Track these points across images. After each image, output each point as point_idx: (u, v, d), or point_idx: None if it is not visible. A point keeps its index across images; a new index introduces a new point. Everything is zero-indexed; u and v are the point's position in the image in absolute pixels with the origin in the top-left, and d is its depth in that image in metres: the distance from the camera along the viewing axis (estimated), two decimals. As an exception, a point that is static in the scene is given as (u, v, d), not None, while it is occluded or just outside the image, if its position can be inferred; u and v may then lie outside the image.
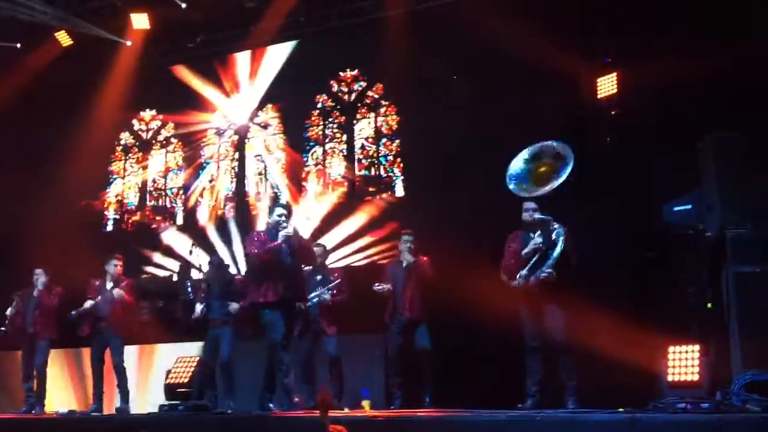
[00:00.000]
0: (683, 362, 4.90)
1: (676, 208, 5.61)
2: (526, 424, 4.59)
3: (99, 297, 7.30)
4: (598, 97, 7.48)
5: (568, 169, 5.61)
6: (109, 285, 7.43)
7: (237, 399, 6.51)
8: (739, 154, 5.48)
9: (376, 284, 6.56)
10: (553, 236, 5.58)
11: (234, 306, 6.65)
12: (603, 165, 7.04)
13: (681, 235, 5.71)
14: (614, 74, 7.45)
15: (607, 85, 7.47)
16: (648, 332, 5.66)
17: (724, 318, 5.17)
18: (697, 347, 4.88)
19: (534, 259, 5.59)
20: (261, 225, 9.93)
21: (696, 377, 4.78)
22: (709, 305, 5.19)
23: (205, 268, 7.47)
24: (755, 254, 5.18)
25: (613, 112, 7.39)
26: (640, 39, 7.30)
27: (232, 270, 9.45)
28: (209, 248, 9.95)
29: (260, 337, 6.15)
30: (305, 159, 10.14)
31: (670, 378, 4.89)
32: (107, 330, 7.31)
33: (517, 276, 5.62)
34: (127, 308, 7.43)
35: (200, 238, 10.00)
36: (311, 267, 6.67)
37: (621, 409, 5.09)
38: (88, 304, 7.27)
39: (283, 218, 5.79)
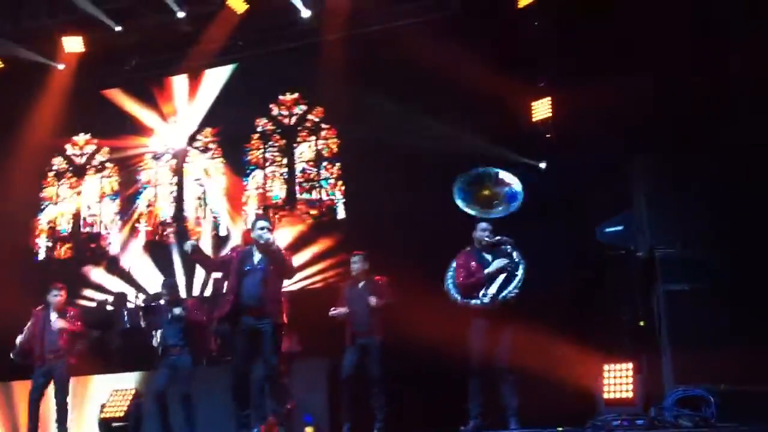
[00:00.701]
0: (618, 380, 5.02)
1: (608, 229, 5.78)
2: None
3: (42, 330, 7.03)
4: (533, 120, 7.65)
5: (517, 203, 5.70)
6: (52, 316, 7.16)
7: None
8: (665, 176, 5.69)
9: (333, 309, 6.50)
10: (515, 257, 5.63)
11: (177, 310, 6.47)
12: (538, 187, 7.20)
13: (614, 255, 5.87)
14: (548, 98, 7.65)
15: (541, 109, 7.66)
16: (584, 351, 5.78)
17: (655, 335, 5.34)
18: (630, 365, 5.01)
19: (500, 279, 5.54)
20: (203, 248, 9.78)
21: (630, 394, 4.90)
22: (641, 323, 5.35)
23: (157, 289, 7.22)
24: (684, 273, 5.37)
25: (547, 135, 7.57)
26: (574, 64, 7.52)
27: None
28: (148, 274, 9.77)
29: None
30: (245, 183, 10.05)
31: (606, 396, 5.00)
32: (56, 363, 7.01)
33: (481, 295, 5.57)
34: (75, 339, 7.15)
35: (137, 264, 9.82)
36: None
37: (560, 429, 5.19)
38: (18, 339, 6.99)
39: (266, 231, 5.60)
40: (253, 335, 5.45)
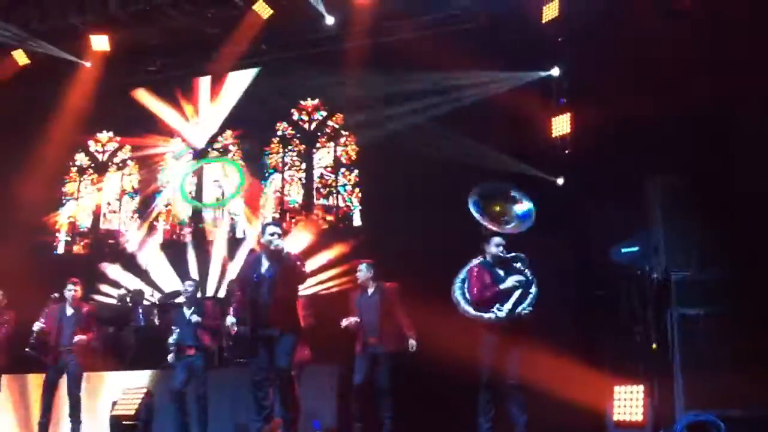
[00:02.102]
0: (628, 402, 4.99)
1: (624, 249, 5.75)
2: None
3: (59, 323, 7.14)
4: (552, 136, 7.64)
5: (530, 222, 5.70)
6: (69, 311, 7.26)
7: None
8: (683, 197, 5.66)
9: (344, 320, 6.54)
10: (528, 274, 5.64)
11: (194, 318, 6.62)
12: (554, 204, 7.18)
13: (628, 275, 5.83)
14: (568, 114, 7.64)
15: (561, 125, 7.65)
16: (595, 371, 5.76)
17: (668, 359, 5.30)
18: (641, 387, 4.98)
19: (516, 294, 5.54)
20: (218, 250, 9.88)
21: (640, 417, 4.87)
22: (654, 346, 5.31)
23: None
24: (699, 297, 5.34)
25: (566, 152, 7.55)
26: (595, 80, 7.50)
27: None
28: (164, 272, 9.88)
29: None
30: (264, 186, 10.11)
31: (615, 417, 4.98)
32: (69, 357, 7.11)
33: (495, 309, 5.56)
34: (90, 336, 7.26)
35: (154, 263, 9.92)
36: None
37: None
38: (36, 326, 7.09)
39: (276, 236, 5.61)
40: (267, 343, 5.47)
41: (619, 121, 6.73)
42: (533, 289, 5.52)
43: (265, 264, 5.54)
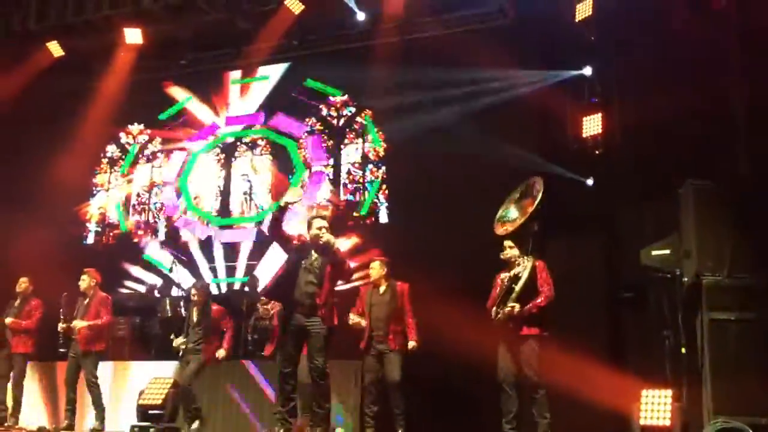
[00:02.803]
0: (655, 406, 4.93)
1: (654, 252, 5.69)
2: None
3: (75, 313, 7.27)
4: (583, 136, 7.57)
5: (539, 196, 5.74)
6: (85, 301, 7.40)
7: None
8: (716, 203, 5.58)
9: (351, 315, 6.56)
10: (519, 270, 5.71)
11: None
12: (585, 204, 7.12)
13: (658, 278, 5.77)
14: (599, 114, 7.56)
15: (592, 125, 7.57)
16: (622, 373, 5.71)
17: (697, 363, 5.23)
18: (669, 392, 4.92)
19: (504, 294, 5.69)
20: (245, 243, 9.96)
21: (668, 422, 4.82)
22: (683, 350, 5.25)
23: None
24: (730, 301, 5.26)
25: (597, 152, 7.48)
26: (629, 81, 7.42)
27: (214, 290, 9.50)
28: (192, 266, 9.97)
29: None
30: (291, 181, 10.15)
31: (642, 422, 4.92)
32: (83, 347, 7.24)
33: (493, 311, 5.73)
34: (98, 324, 7.35)
35: (182, 255, 10.02)
36: None
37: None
38: (60, 327, 7.26)
39: (324, 230, 5.64)
40: (301, 334, 5.50)
41: (651, 122, 6.66)
42: (518, 285, 5.62)
43: (313, 255, 5.58)
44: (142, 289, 10.07)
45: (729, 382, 5.12)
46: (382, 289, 6.66)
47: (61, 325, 7.30)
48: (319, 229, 5.55)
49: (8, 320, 7.72)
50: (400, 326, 6.52)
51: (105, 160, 11.25)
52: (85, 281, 7.45)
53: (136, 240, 10.62)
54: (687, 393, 5.12)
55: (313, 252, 5.61)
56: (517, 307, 5.60)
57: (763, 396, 4.99)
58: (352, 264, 8.93)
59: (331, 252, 5.55)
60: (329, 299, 5.56)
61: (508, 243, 5.91)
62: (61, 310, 7.35)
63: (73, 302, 7.50)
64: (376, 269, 6.71)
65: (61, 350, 7.39)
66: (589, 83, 7.68)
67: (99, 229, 10.97)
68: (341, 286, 8.11)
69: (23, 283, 7.94)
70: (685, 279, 5.43)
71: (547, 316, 5.72)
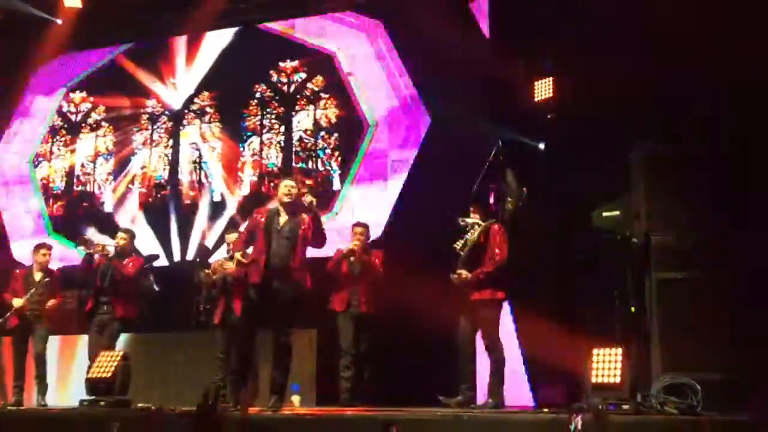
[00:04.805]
0: (606, 365, 5.02)
1: (605, 214, 5.77)
2: (453, 424, 4.64)
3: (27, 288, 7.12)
4: (535, 100, 7.58)
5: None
6: (37, 275, 7.24)
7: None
8: (666, 163, 5.67)
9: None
10: (468, 236, 5.77)
11: None
12: (536, 168, 7.17)
13: (609, 240, 5.85)
14: (551, 78, 7.57)
15: (543, 89, 7.58)
16: (573, 335, 5.80)
17: (646, 322, 5.35)
18: (620, 350, 5.02)
19: (456, 260, 5.77)
20: (199, 215, 9.77)
21: (618, 379, 4.91)
22: (632, 309, 5.36)
23: None
24: (678, 261, 5.38)
25: (548, 116, 7.50)
26: (580, 44, 7.42)
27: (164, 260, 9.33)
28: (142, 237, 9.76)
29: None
30: (242, 149, 9.97)
31: (593, 380, 5.01)
32: (34, 320, 7.10)
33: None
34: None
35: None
36: None
37: (545, 410, 5.22)
38: (17, 303, 7.05)
39: (294, 191, 5.52)
40: (272, 296, 5.40)
41: (604, 86, 6.69)
42: (464, 252, 5.73)
43: (282, 217, 5.47)
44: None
45: (676, 340, 5.27)
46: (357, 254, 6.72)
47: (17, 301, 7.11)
48: (289, 189, 5.46)
49: None
50: (372, 292, 6.68)
51: (47, 130, 10.86)
52: (47, 256, 7.31)
53: (80, 213, 10.34)
54: (636, 351, 5.23)
55: (282, 214, 5.52)
56: (464, 273, 5.65)
57: (709, 353, 5.14)
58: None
59: (300, 215, 5.47)
60: (303, 263, 5.49)
61: (471, 207, 5.92)
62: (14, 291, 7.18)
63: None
64: (358, 234, 6.81)
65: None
66: (541, 47, 7.67)
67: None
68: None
69: None
70: (635, 240, 5.52)
71: (499, 279, 5.76)
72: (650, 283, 5.40)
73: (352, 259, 6.72)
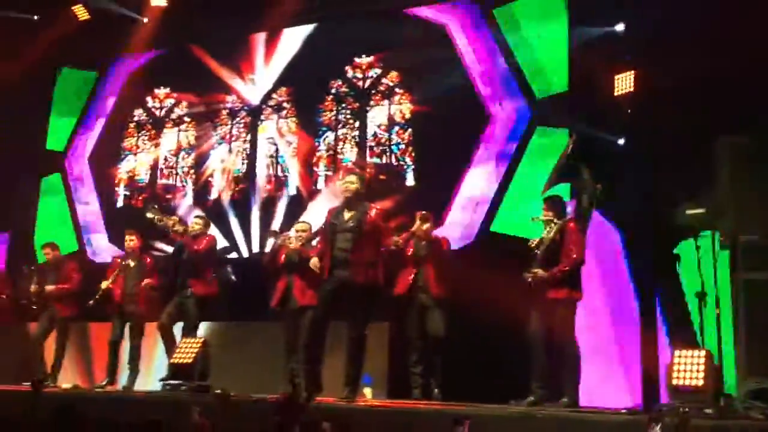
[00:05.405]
0: (688, 367, 4.87)
1: (689, 212, 5.57)
2: (526, 421, 4.59)
3: (122, 275, 7.46)
4: (615, 94, 7.40)
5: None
6: (130, 263, 7.55)
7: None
8: (752, 159, 5.45)
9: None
10: (545, 234, 5.68)
11: None
12: (617, 164, 7.00)
13: (693, 238, 5.65)
14: (632, 72, 7.38)
15: (624, 83, 7.40)
16: (654, 335, 5.65)
17: (731, 325, 5.16)
18: (703, 352, 4.86)
19: (531, 259, 5.71)
20: (277, 210, 9.97)
21: (701, 382, 4.76)
22: (716, 311, 5.17)
23: None
24: (765, 262, 5.16)
25: (628, 111, 7.31)
26: (664, 38, 7.22)
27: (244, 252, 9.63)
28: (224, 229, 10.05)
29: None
30: (317, 144, 10.11)
31: (674, 382, 4.88)
32: (131, 308, 7.40)
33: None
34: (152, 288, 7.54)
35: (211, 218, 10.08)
36: None
37: (623, 411, 5.10)
38: (104, 284, 7.38)
39: (357, 186, 5.65)
40: (342, 286, 5.51)
41: (686, 80, 6.50)
42: (540, 251, 5.67)
43: (346, 214, 5.58)
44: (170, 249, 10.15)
45: (763, 343, 5.05)
46: (424, 242, 6.64)
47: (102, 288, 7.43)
48: (351, 184, 5.55)
49: (49, 287, 7.85)
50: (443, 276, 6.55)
51: (133, 124, 11.30)
52: (134, 241, 7.61)
53: (164, 204, 10.70)
54: (720, 354, 5.05)
55: (345, 211, 5.61)
56: (540, 272, 5.57)
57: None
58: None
59: (365, 209, 5.56)
60: (371, 259, 5.57)
61: (544, 204, 5.86)
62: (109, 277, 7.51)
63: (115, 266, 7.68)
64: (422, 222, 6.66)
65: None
66: (622, 40, 7.48)
67: (128, 193, 11.07)
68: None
69: (49, 249, 8.11)
70: (721, 239, 5.32)
71: (576, 278, 5.66)
72: (737, 283, 5.20)
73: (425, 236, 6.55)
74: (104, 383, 7.38)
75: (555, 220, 5.74)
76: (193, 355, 6.35)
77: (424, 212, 6.74)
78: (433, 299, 6.50)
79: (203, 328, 7.75)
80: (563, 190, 6.27)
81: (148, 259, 7.71)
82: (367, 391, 7.06)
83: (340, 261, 5.57)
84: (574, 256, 5.62)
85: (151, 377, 7.95)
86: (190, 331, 6.99)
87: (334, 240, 5.61)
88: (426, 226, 6.61)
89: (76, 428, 3.73)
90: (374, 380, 7.22)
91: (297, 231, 7.10)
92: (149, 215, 7.51)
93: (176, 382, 6.29)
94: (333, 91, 10.19)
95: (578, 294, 5.64)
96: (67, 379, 8.11)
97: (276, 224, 9.86)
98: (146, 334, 7.66)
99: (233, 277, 8.26)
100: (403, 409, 5.37)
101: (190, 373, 6.25)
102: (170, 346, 6.94)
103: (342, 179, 5.73)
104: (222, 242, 9.49)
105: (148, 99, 11.27)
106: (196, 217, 7.73)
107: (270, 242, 7.46)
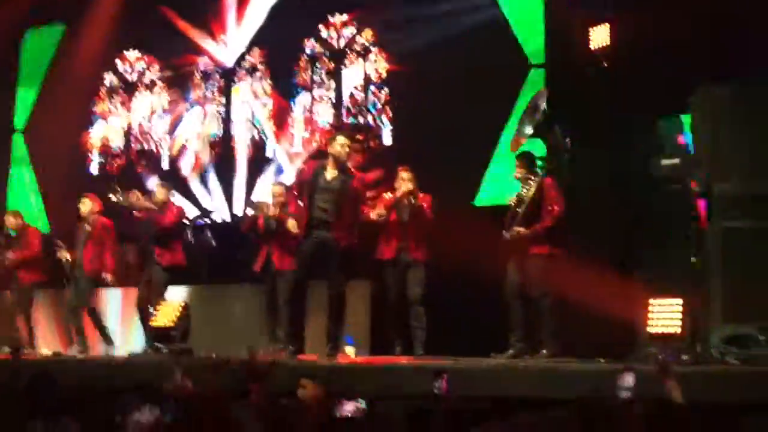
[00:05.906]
0: (665, 315, 4.94)
1: (664, 161, 5.59)
2: (507, 373, 4.64)
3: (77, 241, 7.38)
4: (591, 48, 7.35)
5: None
6: (86, 227, 7.47)
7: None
8: (728, 109, 5.46)
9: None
10: (523, 192, 5.69)
11: None
12: (592, 118, 6.99)
13: (668, 189, 5.69)
14: (607, 25, 7.31)
15: (600, 36, 7.33)
16: (631, 285, 5.71)
17: (706, 272, 5.22)
18: (680, 300, 4.92)
19: (511, 217, 5.74)
20: (252, 172, 9.85)
21: (677, 330, 4.84)
22: (693, 260, 5.22)
23: None
24: (741, 210, 5.21)
25: (604, 64, 7.27)
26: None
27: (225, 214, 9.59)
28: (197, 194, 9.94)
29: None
30: (292, 105, 9.98)
31: (651, 330, 4.94)
32: (80, 273, 7.35)
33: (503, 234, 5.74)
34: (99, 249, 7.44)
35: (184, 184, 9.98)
36: None
37: (602, 360, 5.18)
38: (63, 257, 7.32)
39: (346, 148, 5.62)
40: (322, 246, 5.50)
41: (661, 32, 6.46)
42: (521, 209, 5.67)
43: (330, 173, 5.53)
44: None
45: (738, 291, 5.12)
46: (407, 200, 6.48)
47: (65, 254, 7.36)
48: (341, 146, 5.51)
49: (11, 255, 7.76)
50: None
51: (103, 89, 11.06)
52: (85, 204, 7.50)
53: (139, 171, 10.56)
54: (696, 301, 5.12)
55: (329, 169, 5.57)
56: (522, 230, 5.59)
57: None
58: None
59: (349, 170, 5.54)
60: (351, 219, 5.55)
61: (516, 162, 5.87)
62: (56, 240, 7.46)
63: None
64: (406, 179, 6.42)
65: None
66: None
67: (102, 160, 10.89)
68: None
69: (11, 217, 8.00)
70: (696, 188, 5.35)
71: (556, 234, 5.70)
72: (712, 232, 5.25)
73: (408, 200, 6.36)
74: (77, 351, 7.32)
75: (532, 178, 5.74)
76: (174, 318, 6.34)
77: (405, 168, 6.64)
78: (415, 260, 6.47)
79: (185, 291, 7.73)
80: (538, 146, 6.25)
81: (106, 221, 7.58)
82: (350, 351, 7.09)
83: (320, 221, 5.56)
84: (556, 210, 5.64)
85: (131, 343, 7.93)
86: (156, 300, 6.96)
87: (314, 199, 5.57)
88: (409, 185, 6.51)
89: (53, 395, 3.70)
90: (357, 340, 7.26)
91: (273, 195, 7.05)
92: (113, 198, 7.41)
93: (157, 345, 6.29)
94: (307, 51, 10.03)
95: (558, 250, 5.69)
96: (48, 347, 8.05)
97: (254, 187, 9.80)
98: (123, 299, 7.64)
99: (213, 242, 8.22)
100: (385, 365, 5.40)
101: (170, 336, 6.25)
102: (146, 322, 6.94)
103: (336, 140, 5.65)
104: (195, 211, 9.40)
105: (118, 62, 11.01)
106: (158, 185, 7.64)
107: (249, 212, 7.43)
